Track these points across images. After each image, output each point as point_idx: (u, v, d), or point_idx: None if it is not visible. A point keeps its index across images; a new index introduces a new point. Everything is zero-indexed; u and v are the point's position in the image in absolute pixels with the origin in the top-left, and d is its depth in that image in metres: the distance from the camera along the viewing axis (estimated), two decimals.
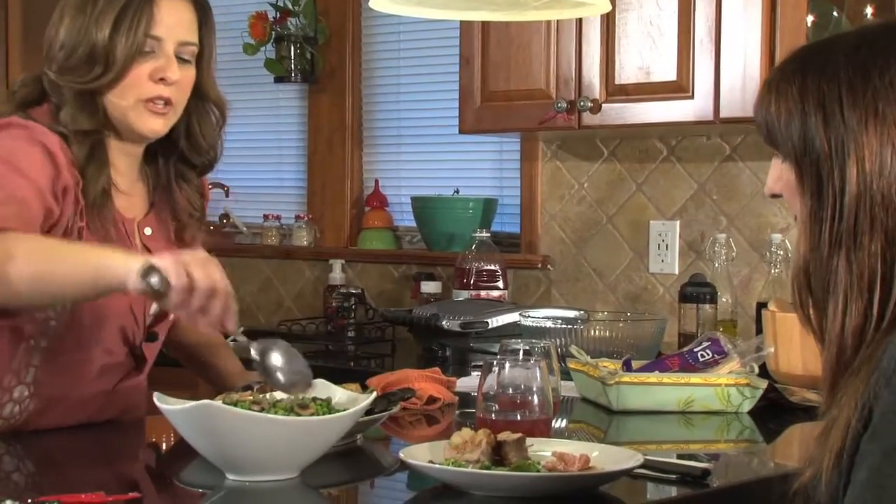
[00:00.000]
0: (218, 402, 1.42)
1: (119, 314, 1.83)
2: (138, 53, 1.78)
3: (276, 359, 1.60)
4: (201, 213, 1.97)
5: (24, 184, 1.69)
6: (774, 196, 1.25)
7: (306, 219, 3.76)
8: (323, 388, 1.59)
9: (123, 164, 1.87)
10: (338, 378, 1.71)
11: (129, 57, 1.77)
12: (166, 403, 1.45)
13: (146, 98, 1.80)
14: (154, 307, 1.88)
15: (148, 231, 1.89)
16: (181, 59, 1.82)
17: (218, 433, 1.40)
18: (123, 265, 1.58)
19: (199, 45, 1.85)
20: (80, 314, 1.80)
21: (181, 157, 1.92)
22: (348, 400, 1.56)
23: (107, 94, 1.79)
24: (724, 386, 2.04)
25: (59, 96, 1.80)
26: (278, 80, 3.73)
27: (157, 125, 1.82)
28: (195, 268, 1.55)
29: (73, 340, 1.80)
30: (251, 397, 1.50)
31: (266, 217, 3.84)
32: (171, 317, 1.92)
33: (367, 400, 1.52)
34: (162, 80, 1.79)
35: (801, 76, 1.19)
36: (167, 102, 1.81)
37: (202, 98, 1.89)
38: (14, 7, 3.92)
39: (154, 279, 1.54)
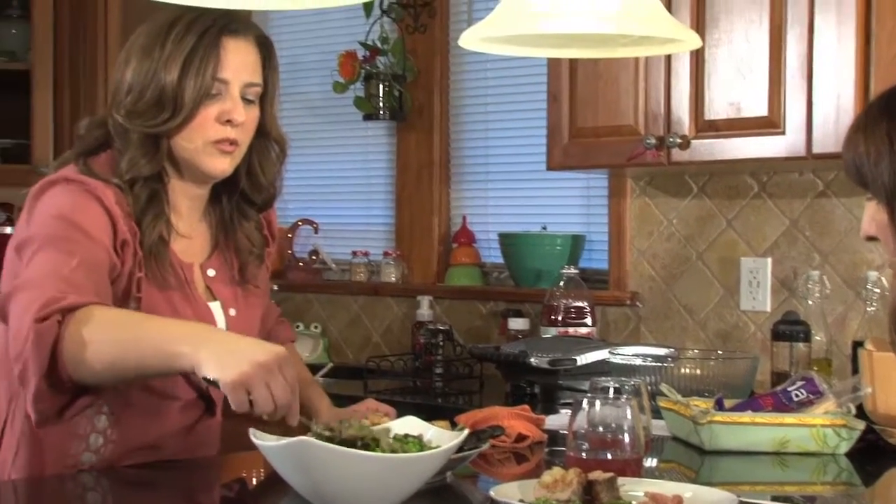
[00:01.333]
0: (313, 439, 1.43)
1: None
2: (206, 96, 1.79)
3: None
4: (261, 251, 1.96)
5: (92, 245, 1.71)
6: (870, 239, 1.25)
7: (394, 255, 3.78)
8: (415, 425, 1.59)
9: (185, 206, 1.88)
10: (426, 415, 1.71)
11: (197, 100, 1.78)
12: (262, 440, 1.47)
13: (213, 140, 1.80)
14: None
15: (211, 272, 1.90)
16: (246, 100, 1.83)
17: (313, 469, 1.41)
18: (193, 355, 1.55)
19: (263, 85, 1.86)
20: None
21: (241, 194, 1.93)
22: (439, 437, 1.55)
23: (174, 137, 1.80)
24: (820, 426, 2.00)
25: (125, 140, 1.80)
26: (367, 117, 3.77)
27: (224, 165, 1.83)
28: (257, 385, 1.51)
29: (140, 387, 1.80)
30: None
31: (355, 253, 3.87)
32: None
33: (459, 437, 1.52)
34: (228, 122, 1.80)
35: (888, 116, 1.19)
36: (233, 143, 1.82)
37: (264, 136, 1.90)
38: (112, 12, 4.01)
39: (216, 385, 1.53)
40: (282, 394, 1.52)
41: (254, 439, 1.47)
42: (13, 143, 4.23)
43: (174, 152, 1.82)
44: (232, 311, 1.89)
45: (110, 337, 1.61)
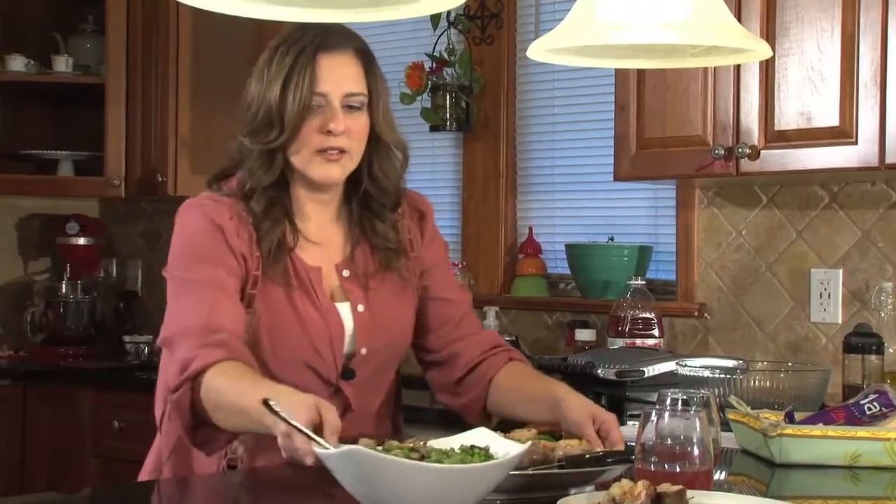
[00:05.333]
0: (364, 448, 1.45)
1: (303, 353, 1.92)
2: (307, 111, 1.89)
3: None
4: (397, 246, 2.01)
5: (215, 270, 1.86)
6: None
7: (460, 266, 3.78)
8: (485, 436, 1.58)
9: (314, 211, 1.99)
10: (499, 425, 1.70)
11: (299, 115, 1.89)
12: (322, 447, 1.48)
13: (318, 149, 1.91)
14: (346, 345, 1.95)
15: (346, 273, 1.98)
16: (352, 108, 1.92)
17: (366, 478, 1.44)
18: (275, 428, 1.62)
19: (368, 92, 1.94)
20: (267, 365, 1.89)
21: (371, 197, 2.01)
22: (507, 449, 1.54)
23: (287, 150, 1.92)
24: (894, 440, 1.96)
25: (248, 156, 1.94)
26: (434, 129, 3.78)
27: (333, 173, 1.93)
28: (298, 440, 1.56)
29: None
30: (411, 444, 1.52)
31: None
32: (364, 352, 1.96)
33: (519, 450, 1.50)
34: (329, 132, 1.89)
35: None
36: (341, 150, 1.91)
37: (378, 141, 1.97)
38: (184, 27, 4.07)
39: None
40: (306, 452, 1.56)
41: (314, 447, 1.49)
42: (87, 156, 4.31)
43: (291, 164, 1.93)
44: (360, 308, 1.96)
45: (225, 405, 1.74)
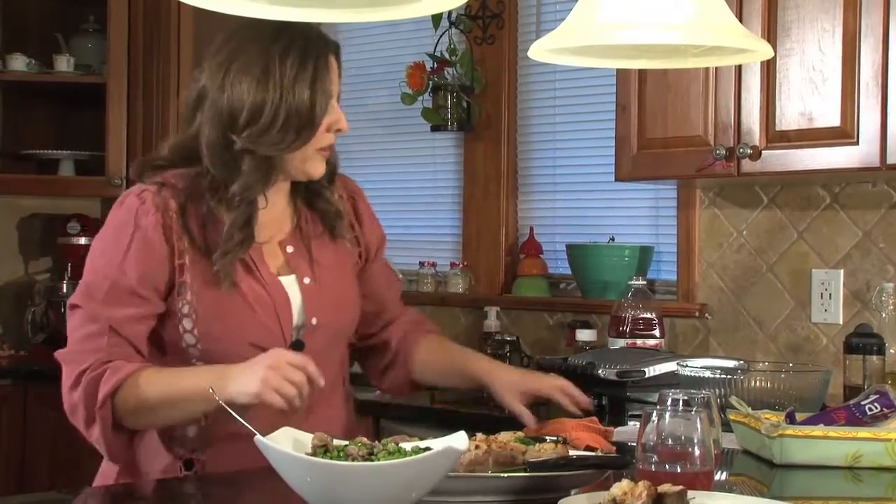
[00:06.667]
0: (264, 439, 1.48)
1: (248, 329, 1.91)
2: (326, 112, 1.92)
3: None
4: (338, 208, 2.05)
5: (119, 304, 1.87)
6: None
7: (461, 266, 3.79)
8: (457, 440, 1.52)
9: (269, 198, 1.98)
10: (493, 425, 1.69)
11: (321, 117, 1.91)
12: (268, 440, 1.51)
13: (321, 148, 1.94)
14: (296, 316, 1.96)
15: (290, 249, 2.00)
16: None
17: (275, 467, 1.48)
18: (205, 402, 1.79)
19: None
20: (213, 346, 1.90)
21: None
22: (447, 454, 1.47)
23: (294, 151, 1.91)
24: (895, 441, 1.96)
25: (233, 164, 1.89)
26: (435, 128, 3.79)
27: (324, 167, 1.98)
28: (273, 379, 1.76)
29: (235, 350, 1.90)
30: (384, 442, 1.53)
31: (422, 264, 3.89)
32: (315, 321, 1.97)
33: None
34: (338, 130, 1.95)
35: None
36: (332, 146, 1.97)
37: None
38: (185, 27, 4.07)
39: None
40: (291, 375, 1.76)
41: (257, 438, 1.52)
42: (88, 156, 4.31)
43: (283, 163, 1.92)
44: (306, 280, 1.98)
45: (151, 406, 1.84)
